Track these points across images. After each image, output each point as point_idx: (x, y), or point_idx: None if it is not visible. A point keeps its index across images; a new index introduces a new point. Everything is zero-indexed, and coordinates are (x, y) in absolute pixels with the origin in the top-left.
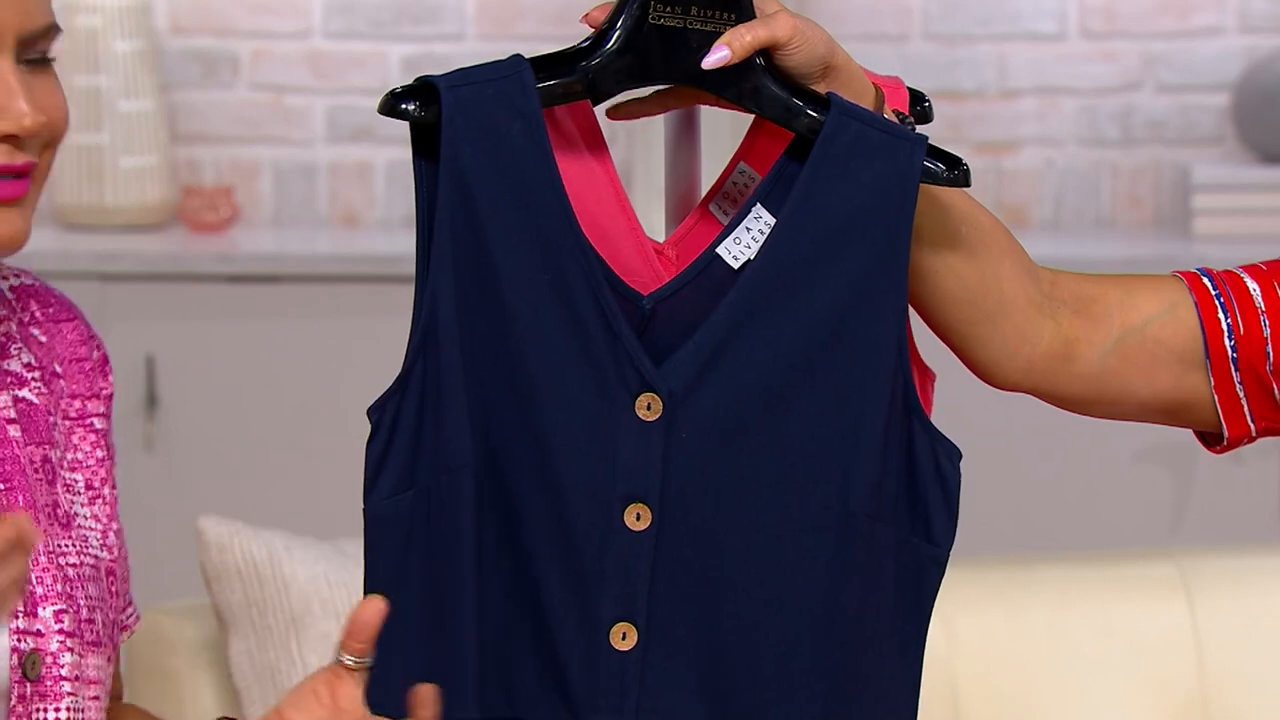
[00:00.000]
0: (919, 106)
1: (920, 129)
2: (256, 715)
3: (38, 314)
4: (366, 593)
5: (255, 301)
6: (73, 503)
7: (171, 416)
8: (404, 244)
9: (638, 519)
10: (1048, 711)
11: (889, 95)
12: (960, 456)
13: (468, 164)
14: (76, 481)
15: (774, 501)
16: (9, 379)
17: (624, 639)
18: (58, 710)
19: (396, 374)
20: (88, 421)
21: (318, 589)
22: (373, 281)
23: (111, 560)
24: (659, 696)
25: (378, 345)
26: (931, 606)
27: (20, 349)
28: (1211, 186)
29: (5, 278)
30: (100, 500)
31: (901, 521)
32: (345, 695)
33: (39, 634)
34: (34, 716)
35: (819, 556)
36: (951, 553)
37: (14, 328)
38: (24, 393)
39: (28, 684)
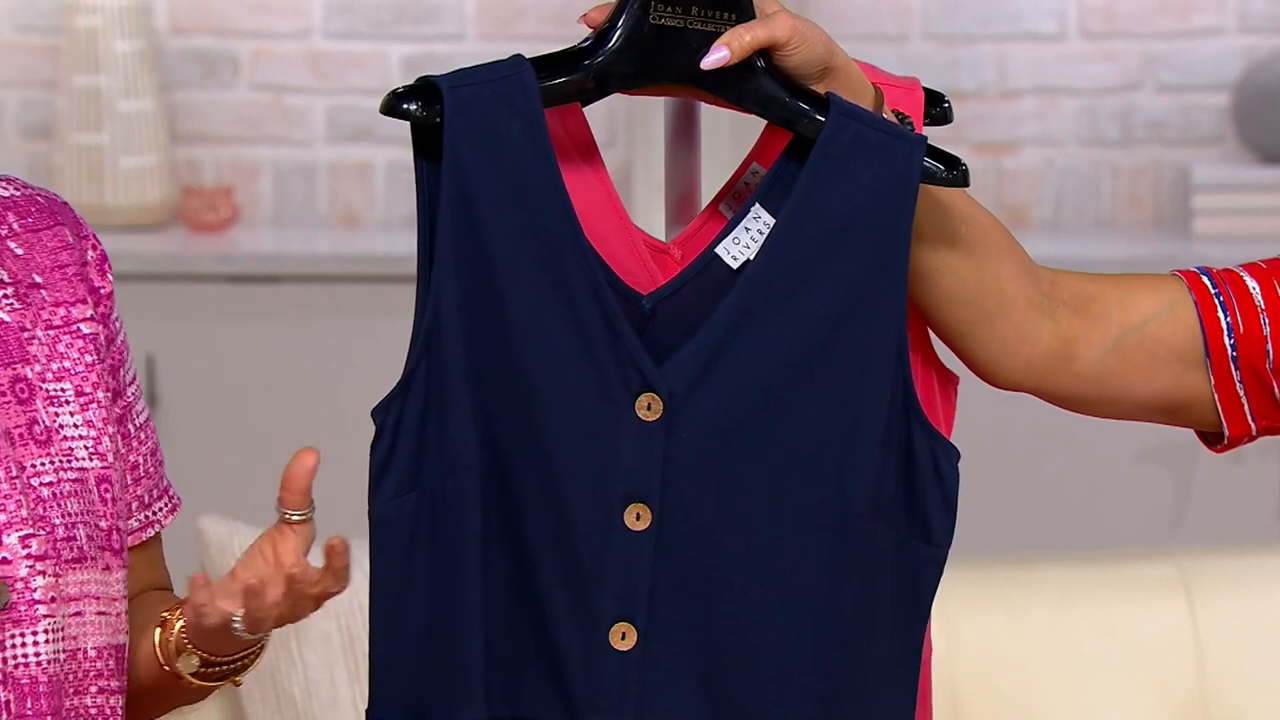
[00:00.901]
0: (938, 108)
1: (939, 130)
2: (258, 717)
3: (15, 226)
4: (372, 595)
5: (255, 301)
6: (57, 415)
7: (171, 416)
8: (404, 244)
9: (637, 519)
10: (1048, 711)
11: (906, 96)
12: (959, 457)
13: (468, 164)
14: (64, 391)
15: (773, 502)
16: None
17: (623, 639)
18: (35, 634)
19: (397, 375)
20: (74, 327)
21: None
22: (373, 281)
23: (104, 468)
24: (659, 696)
25: (378, 345)
26: (930, 607)
27: None
28: (1211, 186)
29: None
30: (94, 405)
31: (900, 522)
32: (285, 550)
33: (5, 561)
34: (9, 643)
35: (818, 556)
36: (953, 552)
37: None
38: None
39: None
